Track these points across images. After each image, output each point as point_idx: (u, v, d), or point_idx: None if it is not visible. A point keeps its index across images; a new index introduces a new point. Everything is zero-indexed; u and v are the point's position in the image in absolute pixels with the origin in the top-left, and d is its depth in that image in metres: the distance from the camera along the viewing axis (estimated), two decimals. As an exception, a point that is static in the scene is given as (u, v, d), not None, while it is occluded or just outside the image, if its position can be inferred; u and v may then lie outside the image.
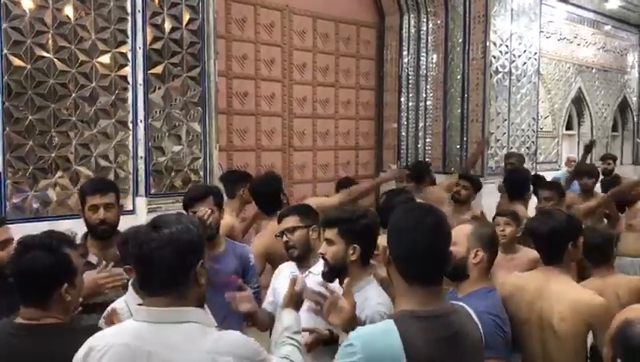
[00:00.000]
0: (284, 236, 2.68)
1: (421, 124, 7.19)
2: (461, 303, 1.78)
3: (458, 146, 6.98)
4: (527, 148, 7.50)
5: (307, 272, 2.60)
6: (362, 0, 7.02)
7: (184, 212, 3.06)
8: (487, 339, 1.97)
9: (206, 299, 1.62)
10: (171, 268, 1.50)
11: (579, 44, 10.37)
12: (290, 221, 2.69)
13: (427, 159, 7.14)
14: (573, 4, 9.85)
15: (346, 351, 1.53)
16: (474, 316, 1.73)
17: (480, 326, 1.72)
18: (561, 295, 2.38)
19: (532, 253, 3.14)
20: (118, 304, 2.26)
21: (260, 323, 2.55)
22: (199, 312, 1.54)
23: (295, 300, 1.92)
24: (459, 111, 6.95)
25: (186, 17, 4.30)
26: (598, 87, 11.03)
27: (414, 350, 1.50)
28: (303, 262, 2.67)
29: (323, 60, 6.54)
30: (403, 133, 7.27)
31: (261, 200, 3.70)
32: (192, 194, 3.07)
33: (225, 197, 3.44)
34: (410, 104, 7.22)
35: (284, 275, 2.76)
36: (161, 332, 1.48)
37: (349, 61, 6.86)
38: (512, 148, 7.15)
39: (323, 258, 2.23)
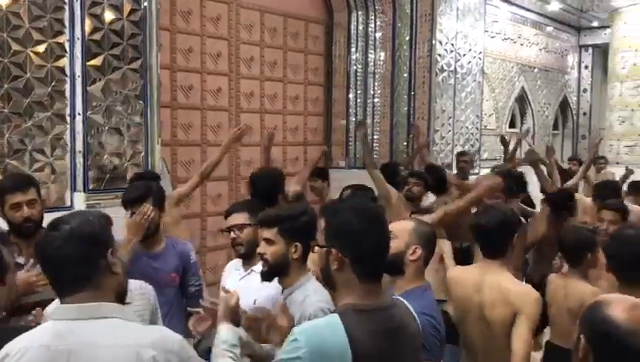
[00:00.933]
0: (232, 233, 2.67)
1: (369, 121, 7.23)
2: (399, 297, 1.81)
3: (405, 143, 7.06)
4: (472, 145, 7.66)
5: (250, 270, 2.58)
6: (311, -5, 7.00)
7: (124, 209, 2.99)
8: (422, 340, 2.00)
9: (125, 288, 1.60)
10: (78, 263, 1.48)
11: (522, 45, 10.65)
12: (239, 218, 2.68)
13: (375, 156, 7.20)
14: (517, 5, 10.11)
15: (291, 347, 1.52)
16: (412, 309, 1.76)
17: (417, 319, 1.76)
18: (495, 284, 2.52)
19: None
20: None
21: None
22: (118, 307, 1.52)
23: (230, 315, 1.89)
24: (406, 108, 7.03)
25: (127, 8, 4.18)
26: (540, 87, 11.37)
27: (359, 342, 1.51)
28: (249, 260, 2.65)
29: (271, 55, 6.49)
30: (351, 130, 7.30)
31: (259, 192, 3.68)
32: (131, 194, 2.99)
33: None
34: (358, 101, 7.26)
35: (231, 274, 2.74)
36: (80, 329, 1.45)
37: (298, 56, 6.83)
38: (456, 145, 7.29)
39: (262, 257, 2.20)
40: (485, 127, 8.87)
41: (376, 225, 1.65)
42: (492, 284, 2.52)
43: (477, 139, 7.80)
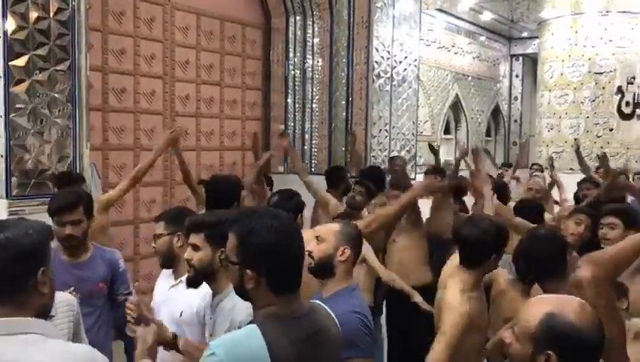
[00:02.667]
0: (153, 242, 2.65)
1: (307, 126, 7.24)
2: (318, 301, 1.80)
3: (343, 149, 7.10)
4: (408, 151, 7.79)
5: (179, 280, 2.52)
6: (248, 0, 6.94)
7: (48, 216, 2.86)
8: (355, 338, 2.04)
9: (50, 308, 1.51)
10: (8, 276, 1.39)
11: (456, 53, 10.97)
12: (158, 227, 2.64)
13: (313, 161, 7.22)
14: (452, 15, 10.40)
15: (209, 361, 1.48)
16: (331, 313, 1.76)
17: (337, 323, 1.75)
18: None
19: None
20: None
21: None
22: (39, 322, 1.43)
23: (150, 353, 1.82)
24: (344, 114, 7.08)
25: (54, 7, 4.01)
26: (474, 94, 11.73)
27: (279, 351, 1.49)
28: (176, 269, 2.60)
29: (207, 58, 6.40)
30: (290, 135, 7.28)
31: (215, 197, 3.57)
32: (59, 203, 2.85)
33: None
34: (297, 106, 7.25)
35: (162, 283, 2.68)
36: None
37: (235, 60, 6.77)
38: (393, 151, 7.39)
39: (189, 263, 2.15)
40: (421, 133, 9.05)
41: (292, 239, 1.61)
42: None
43: (413, 145, 7.93)
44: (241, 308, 2.03)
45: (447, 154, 11.11)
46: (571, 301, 1.45)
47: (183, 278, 2.44)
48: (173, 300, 2.42)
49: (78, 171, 4.19)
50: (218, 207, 3.28)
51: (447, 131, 11.33)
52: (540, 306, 1.45)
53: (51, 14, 4.00)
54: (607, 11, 9.75)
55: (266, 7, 7.11)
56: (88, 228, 2.90)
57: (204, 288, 2.19)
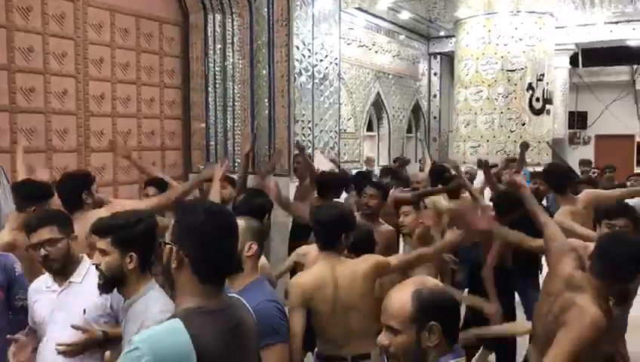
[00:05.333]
0: (42, 250, 2.39)
1: (229, 125, 7.17)
2: (235, 295, 1.80)
3: (267, 147, 7.08)
4: (331, 148, 7.87)
5: (67, 282, 2.41)
6: (165, -4, 6.80)
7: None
8: (274, 325, 2.11)
9: None
10: None
11: (377, 52, 11.17)
12: (46, 232, 2.41)
13: (237, 160, 7.15)
14: (371, 14, 10.57)
15: (131, 356, 1.45)
16: (248, 306, 1.78)
17: (253, 314, 1.78)
18: (345, 270, 2.63)
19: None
20: None
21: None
22: None
23: None
24: (266, 112, 7.05)
25: (-49, 1, 3.78)
26: (395, 92, 11.98)
27: (203, 344, 1.50)
28: (63, 274, 2.44)
29: (123, 56, 6.21)
30: (212, 133, 7.19)
31: (62, 197, 3.35)
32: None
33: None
34: (218, 104, 7.16)
35: (43, 295, 2.49)
36: None
37: (152, 58, 6.61)
38: (317, 148, 7.45)
39: (97, 268, 2.08)
40: (344, 130, 9.17)
41: (224, 230, 1.63)
42: (343, 271, 2.62)
43: (336, 143, 8.02)
44: (153, 313, 1.98)
45: (370, 151, 11.32)
46: (423, 278, 1.65)
47: (72, 278, 2.38)
48: (70, 301, 2.32)
49: (-18, 175, 3.97)
50: (66, 203, 3.23)
51: (369, 128, 11.54)
52: (403, 292, 1.58)
53: (-53, 9, 3.77)
54: (517, 11, 10.21)
55: (183, 4, 6.98)
56: None
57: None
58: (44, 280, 2.49)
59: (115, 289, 2.12)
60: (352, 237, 2.73)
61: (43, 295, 2.45)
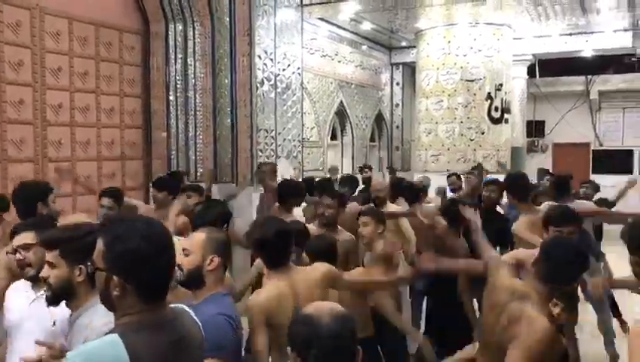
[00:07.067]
0: (18, 254, 2.44)
1: (191, 134, 7.12)
2: (182, 305, 1.77)
3: (230, 156, 7.05)
4: (294, 157, 7.89)
5: (42, 292, 2.38)
6: (125, 4, 6.72)
7: None
8: (221, 340, 2.09)
9: None
10: None
11: (339, 62, 11.27)
12: (26, 237, 2.47)
13: (199, 169, 7.11)
14: (334, 24, 10.67)
15: None
16: (196, 319, 1.76)
17: (201, 328, 1.76)
18: (301, 278, 2.64)
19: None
20: None
21: None
22: None
23: None
24: (229, 121, 7.03)
25: None
26: (358, 102, 12.10)
27: (140, 358, 1.47)
28: (39, 281, 2.44)
29: (81, 65, 6.12)
30: (173, 143, 7.13)
31: (17, 207, 3.38)
32: None
33: None
34: (179, 113, 7.11)
35: (19, 298, 2.50)
36: None
37: (112, 67, 6.53)
38: (279, 157, 7.46)
39: (45, 281, 2.05)
40: (308, 139, 9.20)
41: (163, 248, 1.59)
42: (304, 282, 2.64)
43: (299, 152, 8.05)
44: (96, 327, 1.96)
45: (334, 160, 11.39)
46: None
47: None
48: (40, 314, 2.29)
49: None
50: (21, 214, 3.25)
51: (333, 137, 11.61)
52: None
53: None
54: (476, 22, 10.45)
55: (144, 13, 6.92)
56: None
57: None
58: (25, 284, 2.48)
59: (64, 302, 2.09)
60: (303, 245, 2.75)
61: (18, 300, 2.44)
